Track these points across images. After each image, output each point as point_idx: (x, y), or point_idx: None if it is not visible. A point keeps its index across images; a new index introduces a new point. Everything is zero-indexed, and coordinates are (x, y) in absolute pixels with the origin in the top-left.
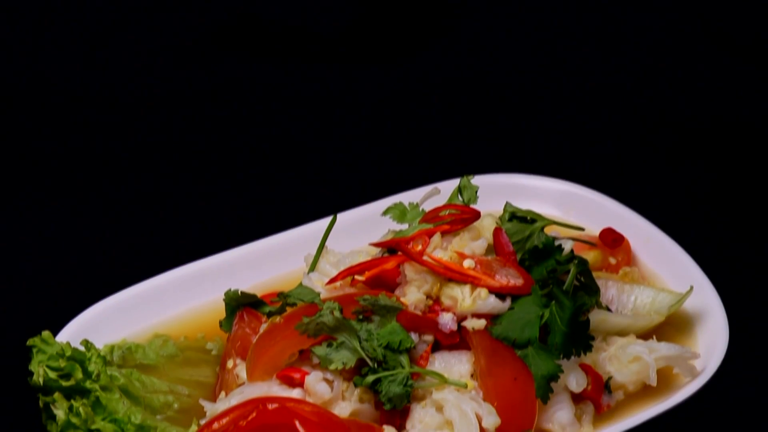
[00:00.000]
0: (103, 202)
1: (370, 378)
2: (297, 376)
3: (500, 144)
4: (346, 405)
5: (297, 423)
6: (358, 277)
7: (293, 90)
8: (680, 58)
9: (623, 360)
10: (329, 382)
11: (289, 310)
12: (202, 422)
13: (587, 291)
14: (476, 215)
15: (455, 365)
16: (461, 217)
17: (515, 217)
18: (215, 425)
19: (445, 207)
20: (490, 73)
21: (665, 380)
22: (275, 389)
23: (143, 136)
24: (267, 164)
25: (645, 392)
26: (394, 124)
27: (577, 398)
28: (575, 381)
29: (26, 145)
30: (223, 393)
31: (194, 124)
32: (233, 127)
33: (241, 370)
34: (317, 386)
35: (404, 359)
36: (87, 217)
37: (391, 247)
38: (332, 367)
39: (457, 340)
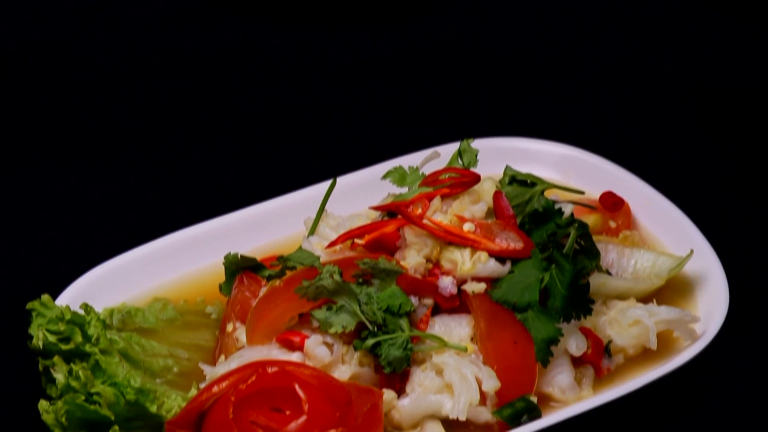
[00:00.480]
0: (103, 166)
1: (370, 341)
2: (297, 339)
3: (500, 107)
4: (346, 368)
5: (297, 386)
6: (357, 241)
7: (292, 53)
8: (680, 21)
9: (623, 323)
10: (329, 346)
11: (288, 273)
12: (202, 386)
13: (587, 254)
14: (476, 179)
15: (455, 329)
16: (461, 180)
17: (515, 180)
18: (215, 389)
19: (445, 170)
20: (491, 37)
21: (665, 344)
22: (275, 353)
23: (141, 99)
24: (267, 128)
25: (645, 356)
26: (395, 87)
27: (577, 362)
28: (575, 344)
29: (24, 108)
30: (222, 356)
31: (194, 87)
32: (233, 91)
33: (241, 334)
34: (317, 350)
35: (404, 323)
36: (86, 181)
37: (391, 211)
38: (332, 330)
39: (457, 304)
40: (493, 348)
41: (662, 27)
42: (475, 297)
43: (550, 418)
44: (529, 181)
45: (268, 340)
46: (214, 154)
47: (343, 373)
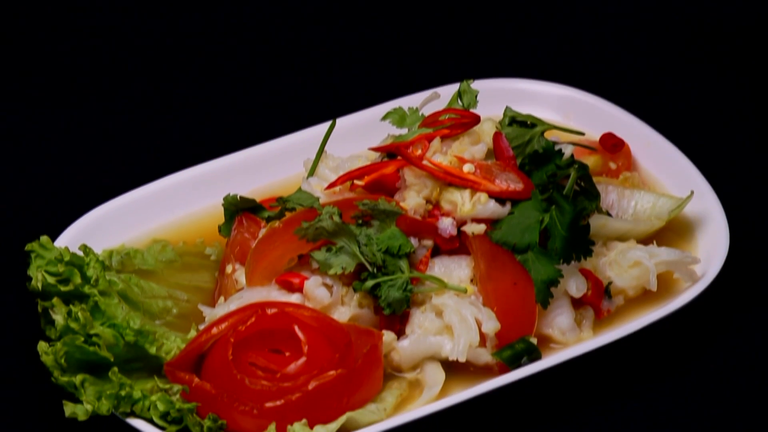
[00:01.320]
0: (102, 107)
1: (370, 283)
2: (296, 281)
3: (500, 48)
4: (346, 310)
5: (296, 328)
6: (357, 182)
7: None
8: None
9: (623, 265)
10: (328, 287)
11: (288, 214)
12: (201, 327)
13: (587, 196)
14: (476, 120)
15: (455, 270)
16: (461, 121)
17: (515, 121)
18: (214, 330)
19: (444, 111)
20: None
21: (665, 285)
22: (274, 294)
23: (141, 39)
24: (266, 69)
25: (645, 297)
26: (395, 27)
27: (577, 303)
28: (575, 286)
29: (24, 46)
30: (222, 298)
31: (192, 27)
32: (232, 31)
33: (240, 275)
34: (316, 291)
35: (404, 264)
36: (86, 122)
37: (391, 152)
38: (331, 272)
39: (457, 245)
40: (492, 289)
41: None
42: (474, 238)
43: (550, 360)
44: (529, 122)
45: (267, 282)
46: (214, 95)
47: (342, 314)
